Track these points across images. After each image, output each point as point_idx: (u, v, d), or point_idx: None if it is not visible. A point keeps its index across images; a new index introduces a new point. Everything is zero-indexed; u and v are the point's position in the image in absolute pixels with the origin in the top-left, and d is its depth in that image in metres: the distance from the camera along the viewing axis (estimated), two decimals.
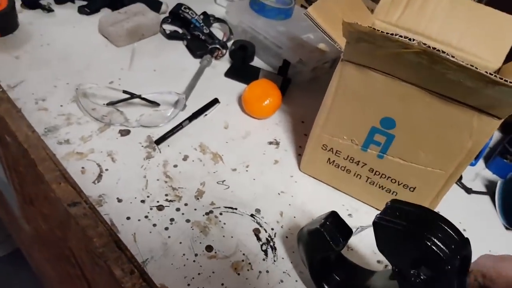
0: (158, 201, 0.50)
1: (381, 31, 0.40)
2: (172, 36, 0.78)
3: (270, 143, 0.62)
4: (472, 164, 0.69)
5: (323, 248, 0.41)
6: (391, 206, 0.35)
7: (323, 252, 0.41)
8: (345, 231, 0.41)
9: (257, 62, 0.78)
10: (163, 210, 0.49)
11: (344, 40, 0.45)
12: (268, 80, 0.67)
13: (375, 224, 0.35)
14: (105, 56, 0.70)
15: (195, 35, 0.78)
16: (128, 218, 0.47)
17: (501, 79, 0.37)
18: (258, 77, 0.70)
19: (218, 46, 0.74)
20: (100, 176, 0.51)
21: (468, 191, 0.65)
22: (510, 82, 0.37)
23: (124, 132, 0.57)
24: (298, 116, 0.68)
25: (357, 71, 0.47)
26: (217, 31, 0.83)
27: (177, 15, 0.80)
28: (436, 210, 0.55)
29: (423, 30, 0.59)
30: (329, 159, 0.55)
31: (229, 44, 0.77)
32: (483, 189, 0.66)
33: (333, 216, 0.41)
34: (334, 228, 0.41)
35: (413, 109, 0.46)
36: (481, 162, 0.71)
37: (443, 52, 0.38)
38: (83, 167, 0.51)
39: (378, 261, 0.50)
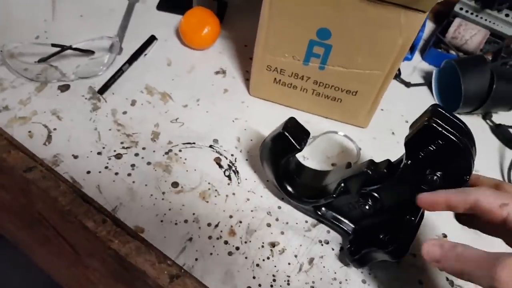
0: (115, 150, 0.49)
1: None
2: None
3: (217, 72, 0.61)
4: (409, 59, 0.71)
5: (288, 149, 0.42)
6: (438, 112, 0.35)
7: (288, 153, 0.43)
8: (304, 132, 0.43)
9: None
10: (122, 158, 0.48)
11: None
12: (203, 7, 0.63)
13: (430, 128, 0.34)
14: (23, 10, 0.63)
15: None
16: (88, 172, 0.46)
17: None
18: (192, 5, 0.66)
19: None
20: (49, 137, 0.49)
21: (407, 85, 0.67)
22: None
23: (64, 88, 0.54)
24: (240, 40, 0.66)
25: None
26: None
27: None
28: (380, 107, 0.58)
29: None
30: (275, 79, 0.55)
31: None
32: (421, 81, 0.69)
33: (292, 120, 0.43)
34: (295, 129, 0.42)
35: (345, 16, 0.46)
36: (417, 56, 0.73)
37: None
38: (29, 131, 0.49)
39: (333, 164, 0.53)
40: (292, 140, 0.41)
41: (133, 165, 0.48)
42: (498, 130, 0.63)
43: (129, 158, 0.49)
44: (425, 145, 0.35)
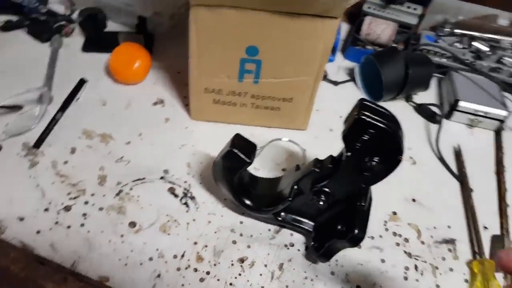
0: (62, 203, 0.45)
1: None
2: (7, 27, 0.66)
3: (155, 103, 0.59)
4: (332, 60, 0.74)
5: (238, 165, 0.42)
6: (365, 106, 0.36)
7: (240, 169, 0.42)
8: (251, 145, 0.43)
9: (112, 26, 0.71)
10: (71, 210, 0.45)
11: None
12: (130, 42, 0.61)
13: (361, 121, 0.36)
14: None
15: (34, 18, 0.67)
16: (38, 232, 0.43)
17: None
18: (119, 42, 0.64)
19: (63, 22, 0.65)
20: None
21: (335, 83, 0.70)
22: None
23: None
24: (173, 68, 0.65)
25: (209, 12, 0.45)
26: (57, 6, 0.72)
27: (4, 2, 0.67)
28: (315, 109, 0.59)
29: None
30: (214, 99, 0.55)
31: (75, 16, 0.68)
32: (347, 78, 0.72)
33: (238, 136, 0.43)
34: (242, 144, 0.42)
35: (268, 32, 0.47)
36: (339, 56, 0.76)
37: None
38: None
39: (283, 169, 0.54)
40: (241, 155, 0.41)
41: (84, 214, 0.45)
42: (421, 109, 0.67)
43: (79, 208, 0.45)
44: (359, 136, 0.36)
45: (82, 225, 0.44)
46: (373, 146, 0.37)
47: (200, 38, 0.48)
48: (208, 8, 0.45)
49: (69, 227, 0.43)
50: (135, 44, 0.61)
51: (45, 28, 0.65)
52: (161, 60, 0.66)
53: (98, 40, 0.67)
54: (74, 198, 0.46)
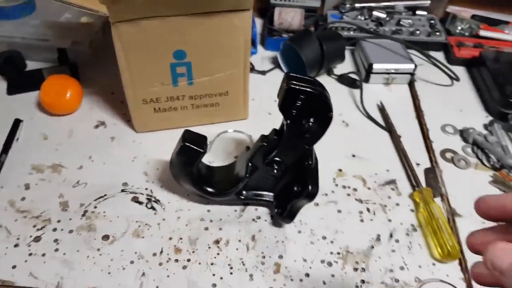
0: (31, 236, 0.48)
1: None
2: None
3: (97, 126, 0.63)
4: (254, 52, 0.82)
5: (194, 157, 0.47)
6: (291, 77, 0.43)
7: (196, 160, 0.48)
8: (201, 137, 0.48)
9: (33, 65, 0.72)
10: (41, 239, 0.47)
11: (103, 6, 0.47)
12: (56, 75, 0.64)
13: (291, 89, 0.42)
14: None
15: None
16: (14, 267, 0.45)
17: None
18: (44, 77, 0.66)
19: None
20: None
21: (263, 73, 0.78)
22: None
23: None
24: (105, 90, 0.68)
25: (130, 26, 0.49)
26: None
27: None
28: (251, 98, 0.66)
29: None
30: (154, 108, 0.59)
31: None
32: (272, 66, 0.80)
33: (187, 132, 0.48)
34: (193, 138, 0.47)
35: (189, 34, 0.53)
36: (260, 48, 0.84)
37: None
38: None
39: (235, 157, 0.59)
40: (194, 147, 0.46)
41: (56, 240, 0.47)
42: (342, 79, 0.77)
43: (49, 236, 0.48)
44: (293, 103, 0.43)
45: (57, 250, 0.46)
46: (306, 110, 0.44)
47: (127, 53, 0.53)
48: (128, 22, 0.49)
49: (43, 255, 0.46)
50: (63, 76, 0.64)
51: None
52: (91, 86, 0.69)
53: (22, 80, 0.69)
54: (41, 228, 0.48)
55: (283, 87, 0.44)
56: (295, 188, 0.49)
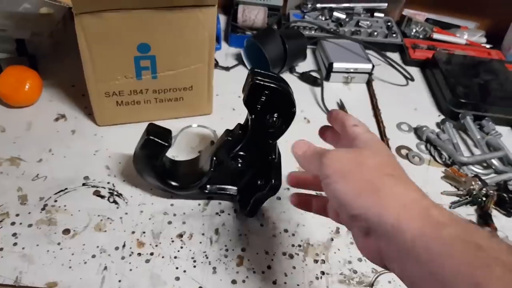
0: None
1: None
2: None
3: (56, 119, 0.61)
4: (219, 48, 0.83)
5: (159, 150, 0.47)
6: (256, 72, 0.44)
7: (160, 154, 0.48)
8: (166, 130, 0.48)
9: None
10: None
11: None
12: (14, 66, 0.62)
13: (256, 85, 0.43)
14: None
15: None
16: None
17: None
18: (2, 68, 0.63)
19: None
20: None
21: (227, 69, 0.78)
22: None
23: None
24: (65, 82, 0.67)
25: (94, 18, 0.49)
26: None
27: None
28: (215, 94, 0.66)
29: None
30: (117, 102, 0.59)
31: None
32: (235, 63, 0.81)
33: (151, 125, 0.48)
34: (157, 131, 0.47)
35: (154, 28, 0.53)
36: (224, 44, 0.85)
37: None
38: None
39: (199, 151, 0.60)
40: (159, 140, 0.46)
41: (14, 234, 0.46)
42: (304, 77, 0.79)
43: (6, 230, 0.46)
44: (258, 98, 0.44)
45: (15, 244, 0.45)
46: (270, 105, 0.45)
47: (90, 45, 0.52)
48: (91, 14, 0.49)
49: (1, 249, 0.44)
50: (21, 67, 0.62)
51: None
52: (51, 78, 0.67)
53: None
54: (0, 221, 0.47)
55: (248, 82, 0.45)
56: (259, 182, 0.50)
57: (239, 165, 0.50)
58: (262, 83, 0.44)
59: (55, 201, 0.50)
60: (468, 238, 0.26)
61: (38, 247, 0.45)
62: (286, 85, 0.46)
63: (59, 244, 0.46)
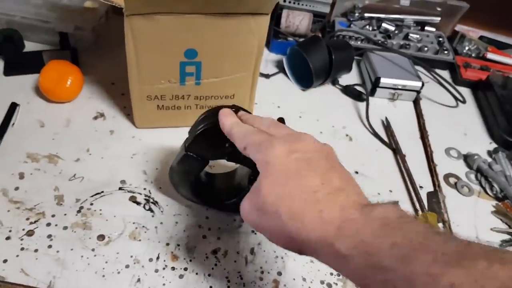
0: (23, 229, 0.47)
1: None
2: None
3: (95, 117, 0.62)
4: None
5: (197, 167, 0.47)
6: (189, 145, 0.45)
7: (198, 170, 0.47)
8: (206, 145, 0.45)
9: (32, 46, 0.71)
10: (34, 234, 0.46)
11: None
12: (57, 60, 0.62)
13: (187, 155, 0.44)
14: None
15: None
16: (5, 261, 0.43)
17: None
18: (44, 61, 0.64)
19: None
20: None
21: (267, 76, 0.78)
22: None
23: None
24: (105, 80, 0.67)
25: (145, 20, 0.49)
26: None
27: None
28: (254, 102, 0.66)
29: None
30: (158, 105, 0.59)
31: None
32: (276, 70, 0.80)
33: (190, 137, 0.46)
34: (197, 145, 0.45)
35: (204, 34, 0.52)
36: (265, 51, 0.84)
37: None
38: None
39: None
40: (198, 156, 0.46)
41: (49, 236, 0.47)
42: (347, 90, 0.77)
43: (42, 231, 0.47)
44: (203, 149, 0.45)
45: (50, 246, 0.45)
46: (211, 142, 0.45)
47: (138, 47, 0.52)
48: (143, 16, 0.49)
49: (36, 250, 0.45)
50: (63, 61, 0.63)
51: None
52: (91, 73, 0.68)
53: (19, 62, 0.67)
54: (35, 222, 0.47)
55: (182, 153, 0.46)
56: None
57: None
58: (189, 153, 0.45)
59: (91, 204, 0.50)
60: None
61: (72, 252, 0.46)
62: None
63: (93, 250, 0.46)
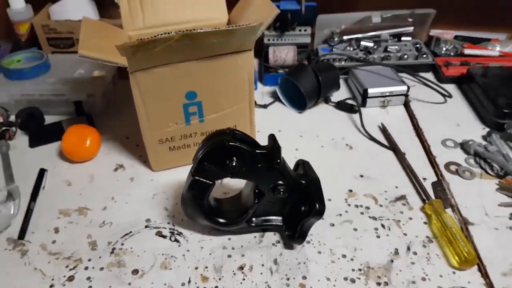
0: (64, 276, 0.50)
1: (147, 38, 0.48)
2: None
3: (116, 169, 0.66)
4: (255, 89, 0.87)
5: (204, 190, 0.50)
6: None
7: (206, 194, 0.50)
8: (210, 170, 0.49)
9: (51, 119, 0.77)
10: (75, 278, 0.49)
11: (123, 58, 0.51)
12: (75, 125, 0.68)
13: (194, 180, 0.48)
14: None
15: None
16: None
17: (235, 26, 0.51)
18: (63, 128, 0.70)
19: (4, 128, 0.70)
20: None
21: (265, 106, 0.82)
22: (238, 26, 0.51)
23: None
24: (120, 136, 0.73)
25: (146, 74, 0.54)
26: None
27: None
28: (256, 130, 0.70)
29: (164, 20, 0.68)
30: (169, 147, 0.63)
31: (13, 119, 0.73)
32: (272, 100, 0.84)
33: (194, 165, 0.49)
34: (205, 169, 0.49)
35: (199, 77, 0.57)
36: (259, 85, 0.89)
37: (194, 29, 0.49)
38: None
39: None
40: (204, 180, 0.49)
41: (88, 278, 0.49)
42: (340, 105, 0.81)
43: (81, 275, 0.50)
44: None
45: (90, 287, 0.48)
46: (215, 163, 0.48)
47: (144, 98, 0.57)
48: (145, 71, 0.54)
49: None
50: (81, 125, 0.69)
51: None
52: (106, 133, 0.73)
53: (42, 134, 0.73)
54: (74, 268, 0.50)
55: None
56: (303, 208, 0.51)
57: (281, 192, 0.51)
58: (196, 177, 0.49)
59: (122, 244, 0.54)
60: None
61: None
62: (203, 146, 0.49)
63: (129, 284, 0.49)
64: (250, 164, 0.48)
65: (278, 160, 0.48)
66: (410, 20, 0.97)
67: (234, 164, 0.47)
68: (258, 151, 0.48)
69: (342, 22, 0.96)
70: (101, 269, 0.51)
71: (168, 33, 0.48)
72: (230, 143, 0.47)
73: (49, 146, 0.71)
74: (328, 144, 0.72)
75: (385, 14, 0.94)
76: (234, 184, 0.62)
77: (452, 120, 0.78)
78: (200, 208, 0.51)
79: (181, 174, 0.63)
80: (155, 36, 0.48)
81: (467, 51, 0.95)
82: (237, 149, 0.47)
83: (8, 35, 0.99)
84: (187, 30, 0.48)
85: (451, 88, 0.86)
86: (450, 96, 0.84)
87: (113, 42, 0.49)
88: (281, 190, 0.51)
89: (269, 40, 0.93)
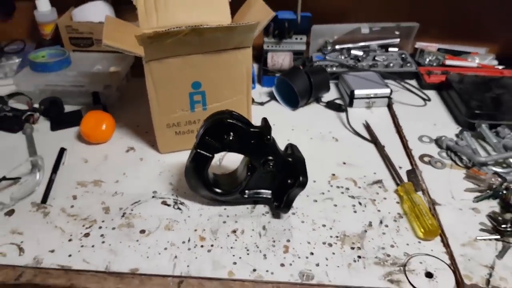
0: (81, 232, 0.57)
1: (161, 30, 0.56)
2: None
3: (127, 151, 0.73)
4: (253, 88, 0.95)
5: (204, 162, 0.57)
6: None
7: (205, 166, 0.57)
8: (210, 145, 0.56)
9: (70, 108, 0.85)
10: (90, 235, 0.56)
11: (139, 49, 0.59)
12: (93, 111, 0.76)
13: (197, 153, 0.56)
14: None
15: (2, 116, 0.79)
16: (70, 255, 0.53)
17: (236, 24, 0.59)
18: (82, 114, 0.78)
19: (30, 113, 0.78)
20: (21, 249, 0.54)
21: (262, 104, 0.90)
22: (239, 24, 0.59)
23: (9, 213, 0.60)
24: (131, 124, 0.80)
25: (159, 63, 0.62)
26: (18, 105, 0.85)
27: None
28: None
29: (175, 21, 0.76)
30: (175, 132, 0.70)
31: (37, 106, 0.81)
32: (268, 98, 0.92)
33: (197, 140, 0.56)
34: (206, 142, 0.56)
35: (204, 69, 0.65)
36: (258, 85, 0.97)
37: (201, 25, 0.57)
38: (1, 252, 0.54)
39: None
40: (205, 152, 0.56)
41: (102, 235, 0.56)
42: (329, 105, 0.89)
43: (96, 232, 0.57)
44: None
45: (103, 242, 0.55)
46: (215, 137, 0.55)
47: (156, 86, 0.65)
48: (158, 60, 0.62)
49: (93, 246, 0.55)
50: (98, 111, 0.76)
51: (15, 122, 0.78)
52: (119, 121, 0.80)
53: (62, 119, 0.81)
54: (89, 227, 0.57)
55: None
56: (289, 181, 0.58)
57: (270, 166, 0.58)
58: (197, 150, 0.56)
59: (132, 210, 0.61)
60: None
61: (121, 244, 0.55)
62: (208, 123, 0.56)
63: (137, 241, 0.56)
64: (244, 140, 0.56)
65: (268, 137, 0.55)
66: (397, 33, 1.06)
67: (231, 138, 0.55)
68: (252, 129, 0.56)
69: (335, 33, 1.04)
70: (113, 228, 0.57)
71: (179, 27, 0.56)
72: (228, 120, 0.54)
73: (68, 130, 0.78)
74: (317, 136, 0.79)
75: (374, 26, 1.02)
76: (231, 165, 0.70)
77: (430, 120, 0.85)
78: (201, 178, 0.58)
79: (185, 157, 0.70)
80: (168, 30, 0.56)
81: (448, 62, 1.03)
82: (234, 126, 0.55)
83: (31, 35, 1.08)
84: (195, 26, 0.57)
85: (431, 93, 0.94)
86: (429, 99, 0.91)
87: (132, 36, 0.57)
88: (271, 164, 0.58)
89: (268, 46, 1.02)
